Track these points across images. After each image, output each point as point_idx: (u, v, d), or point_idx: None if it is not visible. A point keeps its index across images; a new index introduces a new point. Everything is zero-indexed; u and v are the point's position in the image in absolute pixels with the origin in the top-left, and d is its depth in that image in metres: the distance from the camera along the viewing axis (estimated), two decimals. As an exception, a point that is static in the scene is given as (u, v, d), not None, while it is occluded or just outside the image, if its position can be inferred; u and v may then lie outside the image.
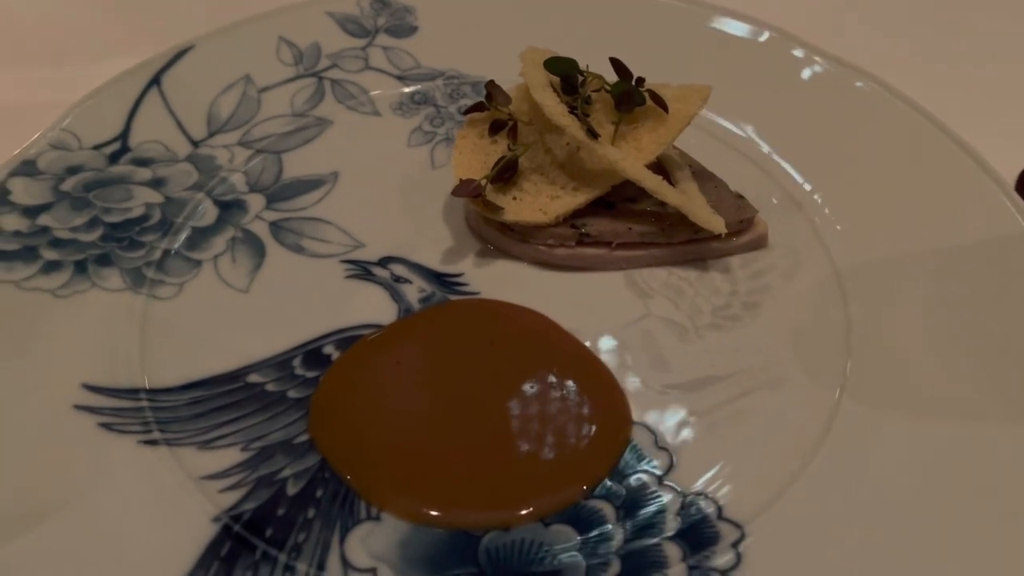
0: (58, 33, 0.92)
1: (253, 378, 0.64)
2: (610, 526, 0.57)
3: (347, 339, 0.66)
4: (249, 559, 0.54)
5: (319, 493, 0.58)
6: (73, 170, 0.74)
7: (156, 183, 0.75)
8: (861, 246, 0.72)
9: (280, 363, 0.64)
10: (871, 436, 0.61)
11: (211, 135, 0.79)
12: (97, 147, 0.76)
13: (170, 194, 0.74)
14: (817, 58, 0.84)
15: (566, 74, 0.71)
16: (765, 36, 0.86)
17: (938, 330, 0.66)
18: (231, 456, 0.59)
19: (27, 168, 0.73)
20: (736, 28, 0.87)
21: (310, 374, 0.64)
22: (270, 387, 0.63)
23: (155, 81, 0.81)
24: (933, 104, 0.79)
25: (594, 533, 0.57)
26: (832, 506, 0.57)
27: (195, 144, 0.78)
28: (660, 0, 0.89)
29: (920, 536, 0.56)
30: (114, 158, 0.75)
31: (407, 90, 0.85)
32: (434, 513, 0.57)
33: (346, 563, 0.55)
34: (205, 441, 0.60)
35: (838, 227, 0.73)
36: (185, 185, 0.75)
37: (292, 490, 0.58)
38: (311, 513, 0.57)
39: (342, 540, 0.56)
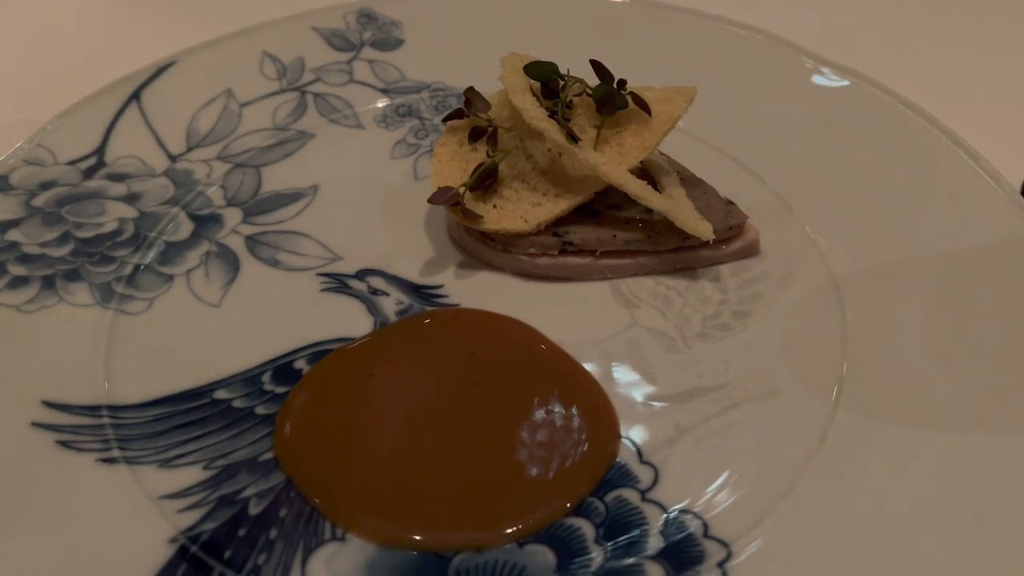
0: (43, 48, 0.91)
1: (220, 394, 0.61)
2: (589, 546, 0.54)
3: (320, 353, 0.63)
4: (204, 582, 0.51)
5: (283, 513, 0.55)
6: (46, 185, 0.72)
7: (131, 198, 0.73)
8: (859, 252, 0.69)
9: (249, 379, 0.62)
10: (867, 449, 0.57)
11: (189, 149, 0.77)
12: (72, 162, 0.74)
13: (145, 209, 0.72)
14: (812, 61, 0.81)
15: (546, 78, 0.69)
16: (755, 39, 0.83)
17: (938, 338, 0.63)
18: (192, 475, 0.57)
19: (-1, 183, 0.72)
20: (725, 32, 0.84)
21: (279, 390, 0.61)
22: (237, 403, 0.61)
23: (135, 96, 0.80)
24: (935, 107, 0.76)
25: (572, 554, 0.53)
26: (825, 523, 0.54)
27: (173, 159, 0.76)
28: (647, 7, 0.87)
29: (917, 553, 0.52)
30: (89, 173, 0.74)
31: (392, 103, 0.83)
32: (403, 534, 0.54)
33: (308, 586, 0.52)
34: (166, 459, 0.57)
35: (835, 233, 0.70)
36: (161, 200, 0.73)
37: (254, 510, 0.55)
38: (273, 534, 0.54)
39: (304, 562, 0.53)
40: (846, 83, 0.80)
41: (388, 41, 0.88)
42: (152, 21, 0.94)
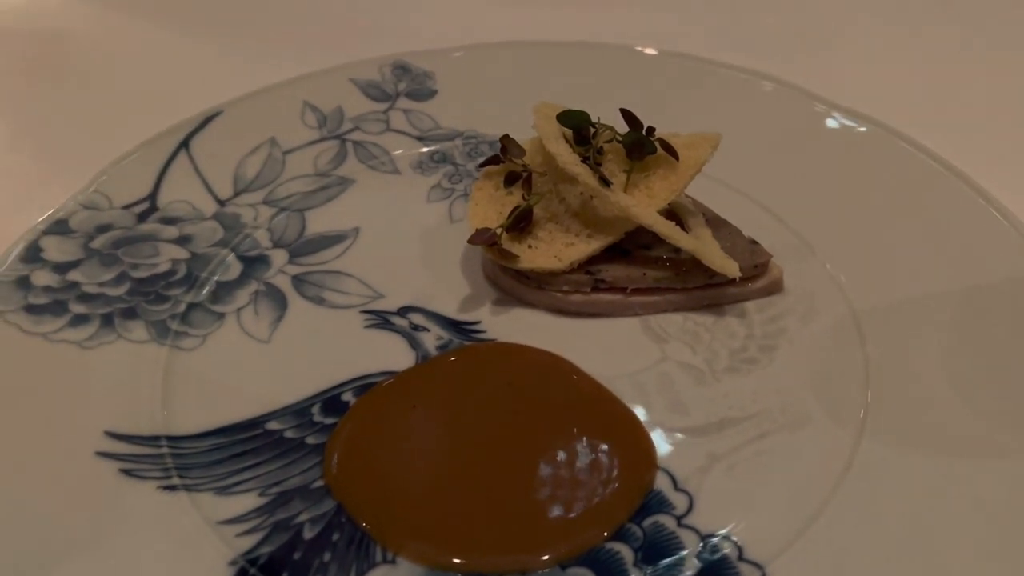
0: (96, 101, 0.96)
1: (272, 425, 0.64)
2: (628, 569, 0.56)
3: (366, 386, 0.67)
4: (264, 602, 0.54)
5: (335, 537, 0.58)
6: (103, 228, 0.76)
7: (182, 240, 0.77)
8: (878, 289, 0.72)
9: (299, 410, 0.65)
10: (892, 475, 0.60)
11: (237, 194, 0.81)
12: (126, 207, 0.79)
13: (196, 250, 0.76)
14: (828, 109, 0.85)
15: (578, 126, 0.73)
16: (775, 88, 0.88)
17: (958, 369, 0.65)
18: (248, 501, 0.60)
19: (59, 227, 0.76)
20: (747, 82, 0.89)
21: (328, 420, 0.64)
22: (288, 434, 0.64)
23: (184, 144, 0.84)
24: (948, 150, 0.80)
25: (612, 576, 0.56)
26: (854, 546, 0.56)
27: (221, 203, 0.80)
28: (673, 59, 0.91)
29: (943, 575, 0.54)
30: (142, 217, 0.78)
31: (426, 150, 0.87)
32: (450, 557, 0.57)
33: (361, 606, 0.55)
34: (223, 487, 0.60)
35: (855, 271, 0.73)
36: (210, 242, 0.77)
37: (309, 534, 0.58)
38: (327, 557, 0.57)
39: (357, 583, 0.56)
40: (862, 129, 0.83)
41: (422, 92, 0.92)
42: (198, 74, 0.99)
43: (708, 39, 0.99)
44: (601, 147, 0.72)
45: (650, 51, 0.93)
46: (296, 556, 0.57)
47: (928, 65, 0.99)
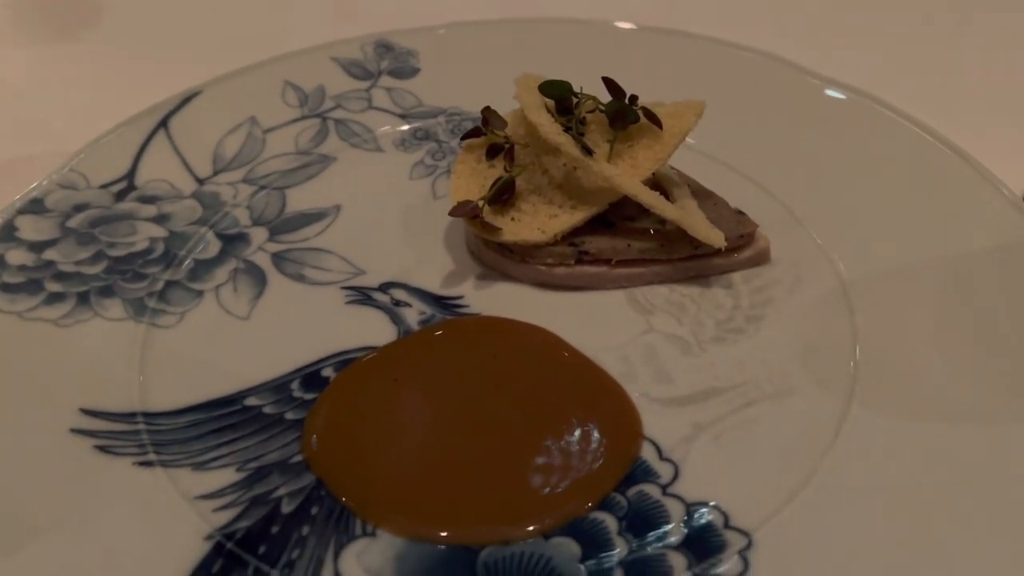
0: (74, 82, 0.95)
1: (251, 401, 0.63)
2: (612, 538, 0.55)
3: (346, 361, 0.65)
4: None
5: (314, 511, 0.57)
6: (80, 207, 0.75)
7: (160, 219, 0.76)
8: (866, 258, 0.71)
9: (278, 386, 0.64)
10: (879, 443, 0.59)
11: (216, 173, 0.80)
12: (104, 186, 0.77)
13: (174, 229, 0.75)
14: (812, 79, 0.85)
15: (560, 96, 0.72)
16: (757, 59, 0.87)
17: (947, 337, 0.65)
18: (226, 476, 0.59)
19: (35, 206, 0.74)
20: (728, 54, 0.88)
21: (308, 396, 0.63)
22: (267, 409, 0.63)
23: (163, 124, 0.83)
24: (936, 120, 0.79)
25: (596, 545, 0.55)
26: (840, 513, 0.55)
27: (200, 182, 0.79)
28: (652, 33, 0.90)
29: (930, 544, 0.53)
30: (120, 196, 0.77)
31: (409, 127, 0.86)
32: (432, 530, 0.56)
33: (340, 579, 0.53)
34: (200, 462, 0.59)
35: (842, 241, 0.72)
36: (189, 220, 0.76)
37: (287, 508, 0.57)
38: (305, 530, 0.56)
39: (336, 556, 0.54)
40: (847, 98, 0.83)
41: (405, 70, 0.91)
42: (178, 54, 0.98)
43: (691, 15, 0.98)
44: (584, 117, 0.71)
45: (633, 26, 0.92)
46: (274, 530, 0.56)
47: (912, 33, 0.99)
